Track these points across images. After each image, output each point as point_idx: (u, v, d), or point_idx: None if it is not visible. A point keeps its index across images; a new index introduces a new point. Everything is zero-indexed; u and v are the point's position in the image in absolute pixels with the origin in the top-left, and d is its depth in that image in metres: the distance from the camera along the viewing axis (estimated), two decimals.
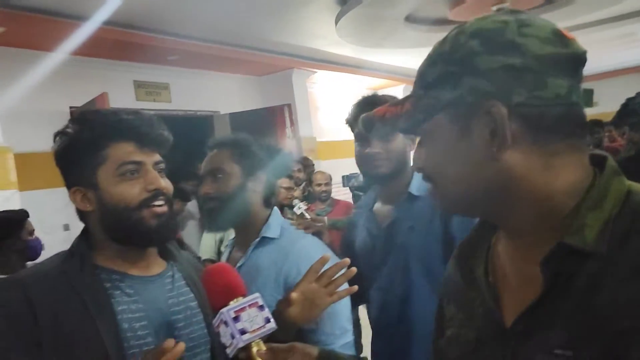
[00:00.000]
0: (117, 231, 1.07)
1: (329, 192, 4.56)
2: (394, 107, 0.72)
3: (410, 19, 5.63)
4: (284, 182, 3.98)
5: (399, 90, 9.97)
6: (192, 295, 1.15)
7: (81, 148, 1.05)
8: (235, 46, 5.98)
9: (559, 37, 0.65)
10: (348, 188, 4.52)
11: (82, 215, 1.11)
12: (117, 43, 4.75)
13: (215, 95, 6.58)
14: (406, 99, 0.72)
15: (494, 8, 5.15)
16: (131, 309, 1.04)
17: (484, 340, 0.71)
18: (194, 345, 1.10)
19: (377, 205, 1.79)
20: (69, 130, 1.09)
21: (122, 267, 1.09)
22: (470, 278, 0.76)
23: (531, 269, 0.66)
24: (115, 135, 1.06)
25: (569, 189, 0.65)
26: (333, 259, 1.25)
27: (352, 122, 1.72)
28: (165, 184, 1.09)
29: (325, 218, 3.77)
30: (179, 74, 6.14)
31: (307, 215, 3.91)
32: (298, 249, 1.43)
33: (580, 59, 0.66)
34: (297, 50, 6.67)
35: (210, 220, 1.52)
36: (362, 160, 1.68)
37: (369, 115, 0.75)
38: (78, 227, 1.13)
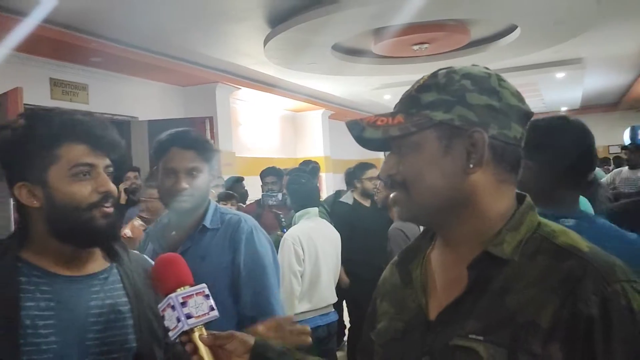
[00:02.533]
0: (62, 229, 1.07)
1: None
2: (384, 118, 0.85)
3: (336, 47, 5.87)
4: None
5: (318, 115, 10.24)
6: (125, 299, 1.15)
7: (33, 145, 1.06)
8: (162, 55, 5.92)
9: (520, 96, 0.84)
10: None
11: (23, 210, 1.11)
12: (34, 37, 4.55)
13: (135, 101, 6.45)
14: (394, 113, 0.85)
15: (416, 48, 5.51)
16: (40, 306, 1.04)
17: (410, 329, 0.85)
18: (108, 350, 1.09)
19: (172, 234, 1.85)
20: (16, 125, 1.08)
21: (49, 264, 1.09)
22: (407, 279, 0.91)
23: (457, 273, 0.82)
24: (70, 136, 1.07)
25: (503, 213, 0.82)
26: None
27: (157, 155, 1.78)
28: (113, 187, 1.13)
29: None
30: (100, 76, 5.97)
31: None
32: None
33: (530, 115, 0.85)
34: (224, 65, 6.71)
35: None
36: (168, 194, 1.75)
37: (358, 120, 0.86)
38: None
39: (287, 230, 3.21)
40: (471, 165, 0.79)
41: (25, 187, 1.07)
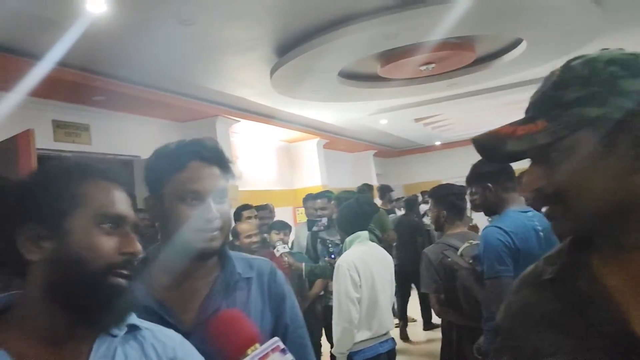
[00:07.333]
0: None
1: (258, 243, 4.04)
2: (524, 126, 0.73)
3: (342, 73, 5.84)
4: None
5: (313, 144, 10.18)
6: None
7: None
8: (163, 90, 5.80)
9: None
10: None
11: None
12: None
13: (137, 139, 6.29)
14: (532, 119, 0.74)
15: (423, 68, 5.51)
16: None
17: (620, 358, 0.70)
18: None
19: (178, 284, 1.28)
20: None
21: None
22: (580, 302, 0.75)
23: None
24: None
25: None
26: None
27: (151, 183, 1.29)
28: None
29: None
30: (101, 115, 5.82)
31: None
32: None
33: None
34: (224, 98, 6.61)
35: None
36: (191, 229, 1.20)
37: (491, 133, 0.75)
38: None
39: (335, 257, 3.09)
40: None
41: None
